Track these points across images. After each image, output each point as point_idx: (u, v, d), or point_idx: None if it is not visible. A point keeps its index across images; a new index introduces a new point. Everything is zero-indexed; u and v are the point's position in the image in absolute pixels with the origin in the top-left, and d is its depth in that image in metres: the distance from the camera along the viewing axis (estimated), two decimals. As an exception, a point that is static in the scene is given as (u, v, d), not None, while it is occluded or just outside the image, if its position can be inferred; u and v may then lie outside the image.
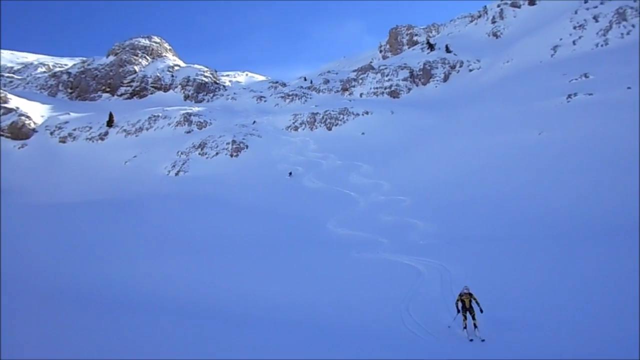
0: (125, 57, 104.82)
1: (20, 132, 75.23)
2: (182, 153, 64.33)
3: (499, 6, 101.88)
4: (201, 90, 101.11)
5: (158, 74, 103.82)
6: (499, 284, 15.10)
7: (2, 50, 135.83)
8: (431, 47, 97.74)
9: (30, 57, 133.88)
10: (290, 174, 50.94)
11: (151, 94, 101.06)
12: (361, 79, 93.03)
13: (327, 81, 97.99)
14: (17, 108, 79.40)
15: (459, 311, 11.81)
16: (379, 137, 61.86)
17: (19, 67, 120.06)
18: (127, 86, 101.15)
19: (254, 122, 74.96)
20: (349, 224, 31.29)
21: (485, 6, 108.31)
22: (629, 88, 40.33)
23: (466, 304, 11.69)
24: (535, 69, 63.70)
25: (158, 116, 78.86)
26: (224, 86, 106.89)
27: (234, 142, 64.55)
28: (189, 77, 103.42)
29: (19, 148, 71.76)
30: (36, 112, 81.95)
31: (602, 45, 63.84)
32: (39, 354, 6.78)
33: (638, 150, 28.36)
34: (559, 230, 21.75)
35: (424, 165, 43.72)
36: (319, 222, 32.89)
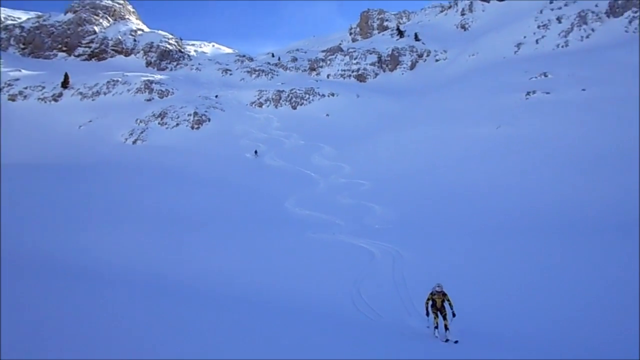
0: (85, 15, 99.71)
1: (-35, 86, 70.73)
2: (141, 121, 62.39)
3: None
4: (164, 57, 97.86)
5: (120, 37, 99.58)
6: (450, 271, 15.63)
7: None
8: (401, 33, 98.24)
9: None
10: (256, 152, 49.83)
11: (111, 57, 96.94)
12: (329, 60, 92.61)
13: (295, 59, 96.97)
14: (-37, 60, 74.47)
15: (428, 313, 10.71)
16: (343, 120, 62.07)
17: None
18: (85, 47, 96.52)
19: (216, 96, 73.32)
20: (308, 204, 31.46)
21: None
22: (583, 90, 42.08)
23: (437, 304, 10.64)
24: (498, 65, 65.27)
25: (117, 81, 75.90)
26: (188, 55, 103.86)
27: (195, 114, 63.14)
28: (152, 43, 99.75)
29: (-37, 103, 67.50)
30: (-16, 66, 77.10)
31: (562, 47, 66.08)
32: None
33: (589, 151, 29.90)
34: (510, 222, 22.65)
35: (385, 151, 44.30)
36: (277, 200, 32.90)
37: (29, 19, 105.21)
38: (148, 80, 76.31)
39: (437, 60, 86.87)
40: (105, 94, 73.48)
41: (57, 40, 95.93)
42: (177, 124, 61.69)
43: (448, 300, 10.58)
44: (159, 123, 61.95)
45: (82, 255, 16.03)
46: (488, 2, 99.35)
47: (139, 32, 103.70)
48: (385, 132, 51.27)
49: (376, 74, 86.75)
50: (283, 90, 73.76)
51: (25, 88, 72.95)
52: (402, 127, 51.12)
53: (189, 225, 24.30)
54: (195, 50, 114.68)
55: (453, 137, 41.70)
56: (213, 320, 8.04)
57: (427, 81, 75.77)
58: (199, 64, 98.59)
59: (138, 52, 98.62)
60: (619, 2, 65.18)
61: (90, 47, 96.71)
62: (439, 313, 10.63)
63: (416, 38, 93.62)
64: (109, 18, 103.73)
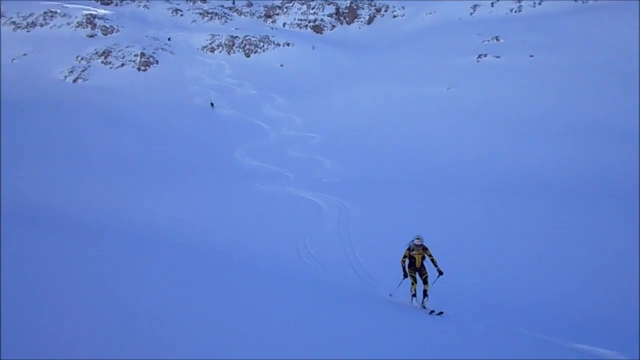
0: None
1: None
2: (82, 58, 58.47)
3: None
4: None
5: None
6: (393, 225, 16.20)
7: None
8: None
9: None
10: (212, 104, 46.68)
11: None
12: (286, 7, 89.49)
13: (250, 4, 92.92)
14: None
15: (406, 274, 9.13)
16: (297, 71, 60.96)
17: None
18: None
19: (169, 39, 69.37)
20: (257, 155, 31.24)
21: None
22: (531, 56, 43.40)
23: (417, 262, 9.10)
24: (454, 25, 65.70)
25: (56, 12, 70.11)
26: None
27: (142, 54, 59.87)
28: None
29: None
30: None
31: (515, 12, 67.20)
32: None
33: (531, 116, 31.35)
34: (457, 180, 23.61)
35: (338, 105, 44.23)
36: (227, 150, 32.43)
37: None
38: (90, 15, 71.02)
39: (394, 17, 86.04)
40: (42, 25, 67.89)
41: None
42: (123, 64, 58.38)
43: (430, 256, 9.08)
44: (102, 62, 58.38)
45: (13, 198, 15.26)
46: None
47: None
48: (339, 86, 50.99)
49: (333, 26, 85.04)
50: (237, 36, 71.01)
51: (-51, 13, 66.13)
52: (356, 82, 50.97)
53: (133, 172, 23.57)
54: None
55: (405, 95, 42.16)
56: (150, 266, 8.02)
57: (383, 37, 75.26)
58: (147, 1, 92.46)
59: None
60: (573, -29, 66.48)
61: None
62: (417, 275, 9.13)
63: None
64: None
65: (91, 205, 16.76)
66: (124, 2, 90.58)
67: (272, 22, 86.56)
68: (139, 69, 58.00)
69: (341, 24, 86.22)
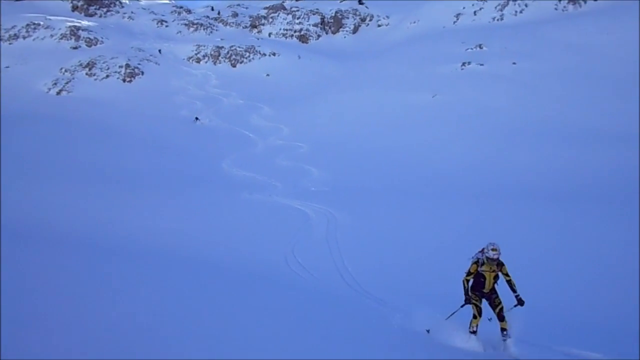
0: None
1: None
2: (66, 70, 58.00)
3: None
4: (93, 2, 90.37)
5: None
6: (381, 233, 16.23)
7: None
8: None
9: None
10: (197, 119, 45.20)
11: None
12: (272, 17, 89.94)
13: (235, 14, 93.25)
14: None
15: (468, 300, 6.69)
16: (284, 81, 61.15)
17: None
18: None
19: (160, 51, 68.76)
20: (244, 165, 31.17)
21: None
22: (514, 63, 44.09)
23: (486, 284, 6.69)
24: (438, 34, 66.49)
25: (39, 25, 69.55)
26: (120, 2, 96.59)
27: (127, 66, 59.57)
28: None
29: None
30: None
31: (498, 20, 68.29)
32: None
33: (515, 123, 31.78)
34: (443, 189, 23.77)
35: (324, 114, 44.41)
36: (214, 160, 32.31)
37: None
38: (74, 26, 70.58)
39: (379, 26, 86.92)
40: (24, 37, 67.29)
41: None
42: (107, 76, 58.01)
43: (506, 275, 6.64)
44: (86, 74, 57.93)
45: (7, 212, 15.01)
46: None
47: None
48: (325, 95, 51.22)
49: (319, 36, 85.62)
50: (222, 47, 71.10)
51: None
52: (341, 91, 51.25)
53: (120, 184, 23.36)
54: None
55: (391, 103, 42.48)
56: (137, 277, 7.93)
57: (368, 46, 75.91)
58: (132, 12, 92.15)
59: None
60: (552, -21, 67.85)
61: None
62: (486, 301, 6.72)
63: (360, 1, 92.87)
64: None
65: (75, 218, 16.53)
66: (109, 13, 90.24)
67: (258, 32, 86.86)
68: (124, 80, 57.67)
69: (327, 33, 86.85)
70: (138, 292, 6.50)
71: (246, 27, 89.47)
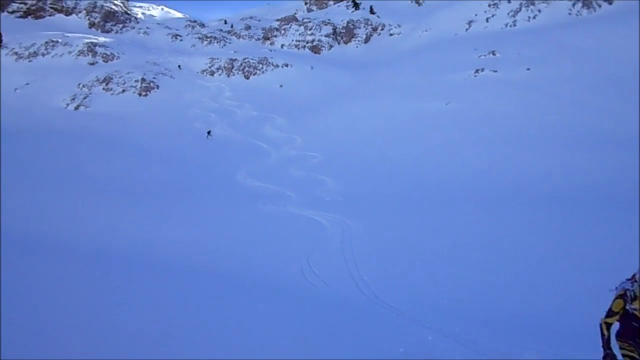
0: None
1: None
2: (83, 86, 59.17)
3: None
4: (109, 19, 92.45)
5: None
6: (396, 242, 16.13)
7: None
8: (356, 5, 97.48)
9: None
10: (209, 133, 44.47)
11: (50, 15, 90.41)
12: (284, 29, 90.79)
13: (248, 27, 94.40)
14: None
15: (609, 355, 4.37)
16: (297, 91, 61.53)
17: None
18: (20, 3, 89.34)
19: (180, 66, 69.40)
20: (259, 176, 31.31)
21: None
22: (528, 69, 43.70)
23: None
24: (450, 41, 66.37)
25: (57, 42, 71.18)
26: (135, 18, 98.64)
27: (143, 80, 60.56)
28: (95, 2, 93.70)
29: None
30: None
31: (511, 26, 67.92)
32: None
33: (530, 129, 31.44)
34: (454, 194, 23.56)
35: (337, 124, 44.49)
36: (228, 171, 32.53)
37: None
38: (91, 43, 72.09)
39: (391, 35, 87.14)
40: (43, 55, 68.85)
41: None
42: (124, 90, 59.02)
43: None
44: (103, 88, 59.01)
45: (17, 224, 15.29)
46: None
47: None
48: (338, 104, 51.37)
49: (331, 46, 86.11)
50: (236, 59, 71.91)
51: (-48, 46, 67.22)
52: (354, 100, 51.35)
53: (135, 195, 23.65)
54: (142, 13, 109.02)
55: (404, 112, 42.40)
56: (155, 289, 7.98)
57: (381, 55, 76.08)
58: (147, 27, 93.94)
59: (80, 12, 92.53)
60: (565, -16, 67.39)
61: (25, 4, 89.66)
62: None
63: (371, 11, 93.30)
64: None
65: (94, 230, 16.76)
66: (124, 29, 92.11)
67: (271, 44, 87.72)
68: (139, 95, 58.59)
69: (339, 43, 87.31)
70: (149, 302, 6.54)
71: (259, 39, 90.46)
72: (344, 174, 30.30)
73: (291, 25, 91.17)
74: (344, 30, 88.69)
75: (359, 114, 45.73)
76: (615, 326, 4.54)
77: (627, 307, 4.37)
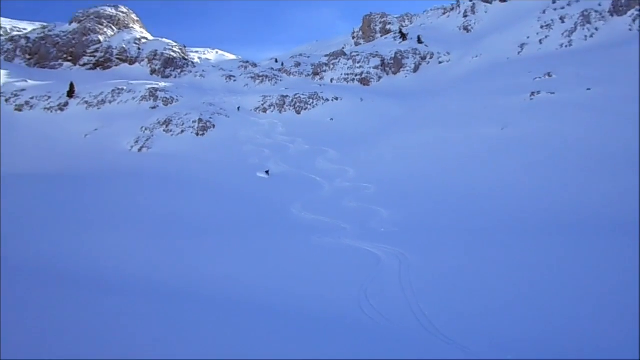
0: (89, 25, 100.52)
1: (-28, 97, 71.43)
2: (146, 129, 62.71)
3: (471, 0, 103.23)
4: (169, 65, 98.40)
5: (124, 46, 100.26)
6: (457, 273, 15.53)
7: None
8: (404, 36, 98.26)
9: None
10: (268, 172, 44.21)
11: (116, 66, 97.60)
12: (332, 64, 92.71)
13: (298, 64, 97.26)
14: (-30, 72, 75.24)
15: None
16: (348, 124, 62.07)
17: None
18: (90, 56, 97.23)
19: (239, 108, 71.97)
20: (313, 209, 31.41)
21: (458, 0, 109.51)
22: (588, 89, 41.83)
23: None
24: (502, 65, 65.12)
25: (122, 89, 76.38)
26: (192, 63, 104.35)
27: (200, 120, 63.37)
28: (156, 51, 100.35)
29: (-30, 114, 68.15)
30: (-9, 77, 77.89)
31: (566, 46, 65.81)
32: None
33: (593, 151, 29.74)
34: (516, 222, 22.52)
35: (390, 154, 44.24)
36: (282, 205, 32.88)
37: (34, 29, 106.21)
38: (153, 88, 76.73)
39: (440, 63, 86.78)
40: (110, 102, 73.95)
41: (62, 50, 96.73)
42: (182, 131, 61.94)
43: None
44: (164, 130, 62.24)
45: (82, 260, 16.08)
46: (490, 3, 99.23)
47: (143, 41, 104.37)
48: (390, 135, 51.22)
49: (380, 77, 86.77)
50: (287, 95, 73.90)
51: (32, 98, 73.59)
52: (406, 129, 51.05)
53: (192, 230, 24.33)
54: (199, 57, 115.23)
55: (457, 139, 41.57)
56: (214, 324, 8.02)
57: (430, 83, 75.70)
58: (203, 70, 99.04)
59: (142, 60, 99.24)
60: (623, 1, 64.89)
61: (95, 57, 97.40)
62: None
63: (419, 41, 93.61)
64: (113, 27, 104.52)
65: (151, 265, 17.31)
66: (182, 73, 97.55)
67: (320, 79, 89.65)
68: (197, 134, 61.23)
69: (387, 74, 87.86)
70: (213, 341, 6.55)
71: (309, 75, 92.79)
72: (398, 205, 29.81)
73: (340, 59, 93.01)
74: (392, 61, 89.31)
75: (411, 143, 45.31)
76: None
77: None
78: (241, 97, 78.01)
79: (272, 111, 71.81)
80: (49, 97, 74.13)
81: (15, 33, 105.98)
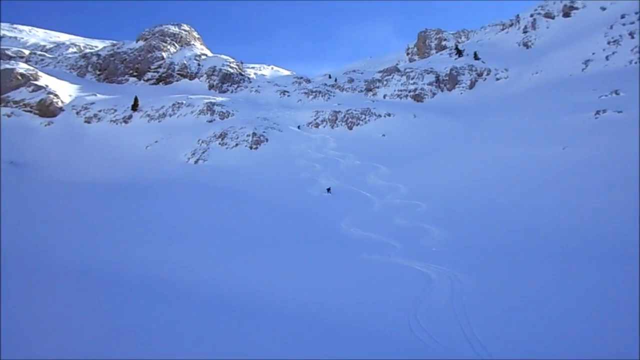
0: (154, 43, 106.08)
1: (47, 109, 76.81)
2: (202, 142, 64.95)
3: (532, 16, 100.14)
4: (226, 80, 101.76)
5: (185, 62, 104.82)
6: (515, 299, 14.83)
7: (36, 29, 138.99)
8: (459, 53, 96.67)
9: (63, 37, 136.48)
10: (329, 190, 43.30)
11: (177, 81, 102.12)
12: (386, 80, 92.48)
13: (351, 80, 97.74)
14: (47, 86, 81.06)
15: None
16: (399, 140, 61.48)
17: (51, 46, 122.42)
18: (154, 72, 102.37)
19: (299, 127, 72.02)
20: (362, 225, 31.16)
21: (518, 15, 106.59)
22: (660, 108, 39.29)
23: None
24: (564, 83, 62.46)
25: (182, 103, 79.69)
26: (248, 78, 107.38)
27: (254, 134, 64.87)
28: (215, 66, 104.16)
29: (45, 125, 73.32)
30: (64, 91, 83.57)
31: (635, 63, 62.24)
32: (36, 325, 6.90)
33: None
34: (571, 248, 21.32)
35: (442, 172, 43.30)
36: (332, 220, 32.85)
37: (104, 47, 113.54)
38: (210, 103, 79.53)
39: (497, 79, 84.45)
40: (170, 115, 77.29)
41: (129, 66, 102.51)
42: (237, 144, 63.61)
43: None
44: (219, 143, 64.19)
45: (136, 269, 16.68)
46: (553, 18, 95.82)
47: (203, 57, 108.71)
48: (443, 152, 50.22)
49: (434, 94, 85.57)
50: (339, 111, 74.32)
51: (100, 111, 78.24)
52: (460, 147, 49.88)
53: (243, 243, 24.72)
54: (255, 73, 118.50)
55: (513, 157, 40.11)
56: (280, 341, 8.03)
57: (487, 100, 73.77)
58: (259, 86, 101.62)
59: (201, 76, 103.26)
60: (700, 14, 60.76)
61: (158, 72, 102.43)
62: None
63: (475, 57, 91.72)
64: (175, 44, 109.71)
65: (203, 276, 17.69)
66: (239, 89, 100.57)
67: (373, 95, 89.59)
68: (250, 148, 62.68)
69: (442, 91, 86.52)
70: (264, 353, 6.55)
71: (361, 91, 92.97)
72: (450, 224, 29.01)
73: (393, 75, 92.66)
74: (447, 78, 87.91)
75: (465, 160, 44.18)
76: None
77: None
78: (294, 112, 79.24)
79: (324, 126, 72.38)
80: (115, 110, 78.51)
81: (88, 51, 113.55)
